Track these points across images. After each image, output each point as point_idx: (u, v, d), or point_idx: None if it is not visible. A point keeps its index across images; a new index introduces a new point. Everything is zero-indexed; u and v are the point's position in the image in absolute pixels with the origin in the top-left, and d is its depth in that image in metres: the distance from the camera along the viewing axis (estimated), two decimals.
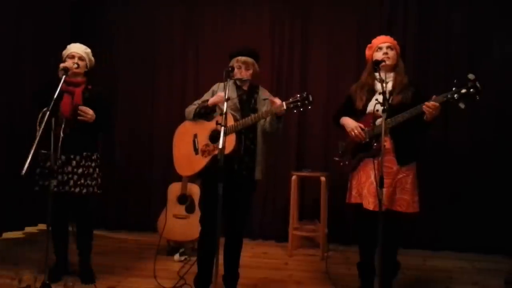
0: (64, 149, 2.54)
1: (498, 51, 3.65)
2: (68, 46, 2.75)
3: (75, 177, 2.63)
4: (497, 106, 3.61)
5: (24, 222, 3.99)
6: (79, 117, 2.58)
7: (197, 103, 2.49)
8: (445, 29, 3.75)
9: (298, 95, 2.28)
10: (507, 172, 3.56)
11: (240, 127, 2.31)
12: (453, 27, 3.73)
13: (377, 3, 3.85)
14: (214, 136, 2.36)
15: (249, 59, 2.43)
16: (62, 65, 2.55)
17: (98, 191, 2.73)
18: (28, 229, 4.03)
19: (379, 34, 2.62)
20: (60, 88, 2.30)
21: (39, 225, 4.10)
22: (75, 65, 2.63)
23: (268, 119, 2.39)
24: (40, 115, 2.48)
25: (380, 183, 2.13)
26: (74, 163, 2.64)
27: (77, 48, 2.73)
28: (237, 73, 2.42)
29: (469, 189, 3.61)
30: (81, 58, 2.71)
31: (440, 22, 3.75)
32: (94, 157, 2.73)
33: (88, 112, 2.59)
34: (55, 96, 2.25)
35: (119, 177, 4.18)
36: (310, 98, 2.26)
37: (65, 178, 2.62)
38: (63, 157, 2.60)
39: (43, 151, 2.55)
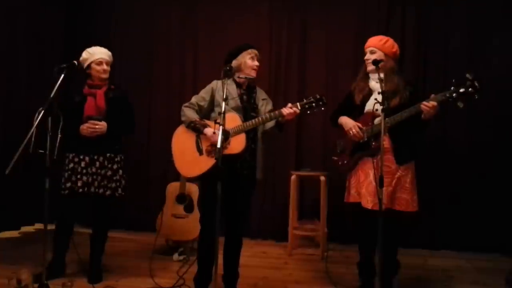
0: (87, 150, 2.63)
1: (497, 51, 3.64)
2: (91, 51, 2.70)
3: (99, 178, 2.65)
4: (496, 106, 3.60)
5: (21, 221, 3.97)
6: (89, 131, 2.59)
7: (195, 102, 2.46)
8: (443, 29, 3.73)
9: (312, 97, 2.31)
10: (506, 171, 3.56)
11: (250, 127, 2.31)
12: (452, 27, 3.72)
13: (375, 4, 3.83)
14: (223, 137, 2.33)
15: (258, 53, 2.47)
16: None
17: (123, 193, 2.75)
18: (25, 228, 4.00)
19: (378, 32, 2.61)
20: (62, 88, 2.31)
21: (36, 224, 4.07)
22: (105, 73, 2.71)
23: (269, 123, 2.40)
24: (36, 114, 2.46)
25: (380, 183, 2.13)
26: (97, 164, 2.66)
27: (104, 54, 2.73)
28: (252, 64, 2.42)
29: (469, 188, 3.61)
30: (107, 64, 2.73)
31: (439, 23, 3.74)
32: (117, 158, 2.74)
33: (97, 125, 2.61)
34: (51, 95, 2.25)
35: None
36: (324, 100, 2.30)
37: (90, 179, 2.64)
38: (86, 158, 2.64)
39: (68, 153, 2.63)
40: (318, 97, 2.31)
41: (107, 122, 2.66)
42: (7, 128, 3.70)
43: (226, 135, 2.27)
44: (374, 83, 2.47)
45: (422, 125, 2.36)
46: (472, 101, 2.24)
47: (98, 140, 2.63)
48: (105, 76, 2.71)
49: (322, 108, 2.32)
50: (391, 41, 2.49)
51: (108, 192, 2.67)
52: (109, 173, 2.68)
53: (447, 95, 2.24)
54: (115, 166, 2.71)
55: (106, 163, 2.68)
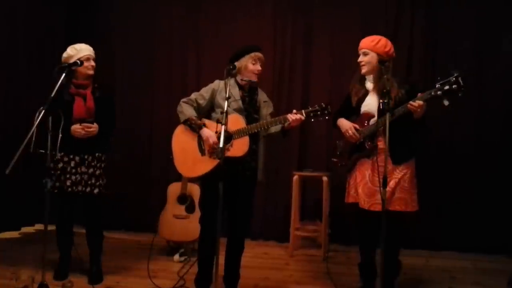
0: (77, 150, 2.63)
1: (506, 50, 3.61)
2: (78, 47, 2.68)
3: (86, 176, 2.67)
4: (503, 106, 3.59)
5: (21, 222, 3.95)
6: (82, 134, 2.59)
7: (194, 99, 2.44)
8: (452, 29, 3.70)
9: (317, 105, 2.31)
10: (510, 172, 3.54)
11: (254, 130, 2.30)
12: (460, 28, 3.69)
13: (382, 5, 3.80)
14: (225, 137, 2.30)
15: (263, 57, 2.43)
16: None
17: (105, 191, 2.76)
18: (25, 229, 3.99)
19: (385, 33, 2.59)
20: (62, 88, 2.29)
21: (36, 225, 4.05)
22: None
23: (273, 128, 2.39)
24: (37, 114, 2.45)
25: (383, 183, 2.13)
26: (86, 163, 2.67)
27: (90, 50, 2.71)
28: (253, 69, 2.38)
29: (472, 189, 3.59)
30: (94, 60, 2.72)
31: (448, 22, 3.71)
32: (103, 158, 2.77)
33: (91, 128, 2.62)
34: (52, 95, 2.24)
35: (118, 176, 4.12)
36: (329, 109, 2.31)
37: (79, 178, 2.65)
38: (76, 158, 2.65)
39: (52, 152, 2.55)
40: (323, 106, 2.31)
41: (97, 123, 2.66)
42: (7, 128, 3.68)
43: (229, 138, 2.26)
44: (370, 84, 2.47)
45: (416, 124, 2.35)
46: (457, 99, 2.21)
47: (88, 140, 2.63)
48: (92, 72, 2.69)
49: (327, 117, 2.33)
50: (383, 40, 2.45)
51: (96, 190, 2.69)
52: (98, 172, 2.71)
53: (432, 93, 2.23)
54: (102, 165, 2.75)
55: (95, 162, 2.70)
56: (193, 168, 2.36)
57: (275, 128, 2.39)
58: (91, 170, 2.68)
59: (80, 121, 2.61)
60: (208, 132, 2.33)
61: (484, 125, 3.62)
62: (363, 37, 3.78)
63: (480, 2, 3.67)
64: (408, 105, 2.25)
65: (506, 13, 3.62)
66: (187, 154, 2.38)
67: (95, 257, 2.76)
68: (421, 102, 2.23)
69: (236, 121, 2.29)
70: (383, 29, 3.61)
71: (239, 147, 2.25)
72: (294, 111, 2.31)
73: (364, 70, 2.45)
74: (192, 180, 3.40)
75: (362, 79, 2.52)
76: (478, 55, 3.65)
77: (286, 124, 2.32)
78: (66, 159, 2.64)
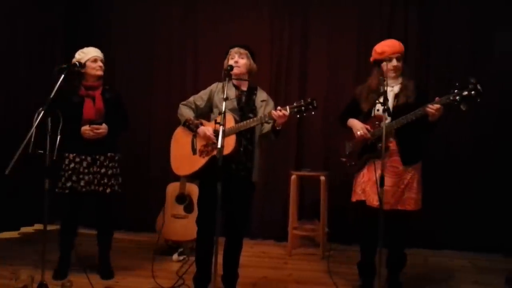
0: (89, 150, 2.69)
1: (500, 49, 3.62)
2: (85, 51, 2.72)
3: (98, 176, 2.71)
4: (499, 105, 3.59)
5: (20, 222, 3.96)
6: (91, 135, 2.63)
7: (192, 100, 2.49)
8: (446, 28, 3.71)
9: (302, 100, 2.28)
10: (508, 171, 3.55)
11: (241, 129, 2.30)
12: (454, 27, 3.70)
13: (377, 5, 3.80)
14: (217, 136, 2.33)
15: (242, 49, 2.43)
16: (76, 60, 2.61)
17: (119, 190, 2.81)
18: (24, 229, 3.99)
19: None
20: (61, 88, 2.32)
21: (35, 225, 4.06)
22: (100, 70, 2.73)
23: (266, 126, 2.40)
24: (36, 115, 2.47)
25: (381, 182, 2.16)
26: (98, 163, 2.71)
27: (97, 52, 2.75)
28: (231, 63, 2.38)
29: (471, 188, 3.60)
30: (102, 61, 2.75)
31: (442, 21, 3.72)
32: (117, 157, 2.81)
33: (99, 129, 2.66)
34: (51, 96, 2.26)
35: None
36: (315, 104, 2.26)
37: (91, 177, 2.69)
38: (88, 158, 2.70)
39: (67, 153, 2.66)
40: (309, 101, 2.26)
41: (107, 123, 2.70)
42: (7, 128, 3.69)
43: (217, 136, 2.26)
44: (390, 88, 2.46)
45: (429, 127, 2.41)
46: (475, 104, 2.29)
47: (99, 141, 2.67)
48: (101, 73, 2.73)
49: (313, 113, 2.27)
50: None
51: (108, 190, 2.72)
52: (110, 171, 2.74)
53: (451, 98, 2.30)
54: (116, 165, 2.79)
55: (107, 162, 2.74)
56: (183, 166, 2.41)
57: (267, 127, 2.40)
58: (103, 170, 2.72)
59: (90, 122, 2.65)
60: (204, 128, 2.36)
61: (480, 125, 3.62)
62: (359, 37, 3.80)
63: (474, 2, 3.67)
64: (427, 108, 2.30)
65: (499, 13, 3.62)
66: (182, 153, 2.42)
67: (104, 254, 2.82)
68: (439, 106, 2.29)
69: (227, 120, 2.29)
70: (378, 30, 3.62)
71: (226, 146, 2.22)
72: (279, 107, 2.28)
73: (397, 74, 2.49)
74: (191, 179, 3.42)
75: (378, 85, 2.48)
76: (472, 55, 3.65)
77: (275, 123, 2.31)
78: (78, 159, 2.68)
